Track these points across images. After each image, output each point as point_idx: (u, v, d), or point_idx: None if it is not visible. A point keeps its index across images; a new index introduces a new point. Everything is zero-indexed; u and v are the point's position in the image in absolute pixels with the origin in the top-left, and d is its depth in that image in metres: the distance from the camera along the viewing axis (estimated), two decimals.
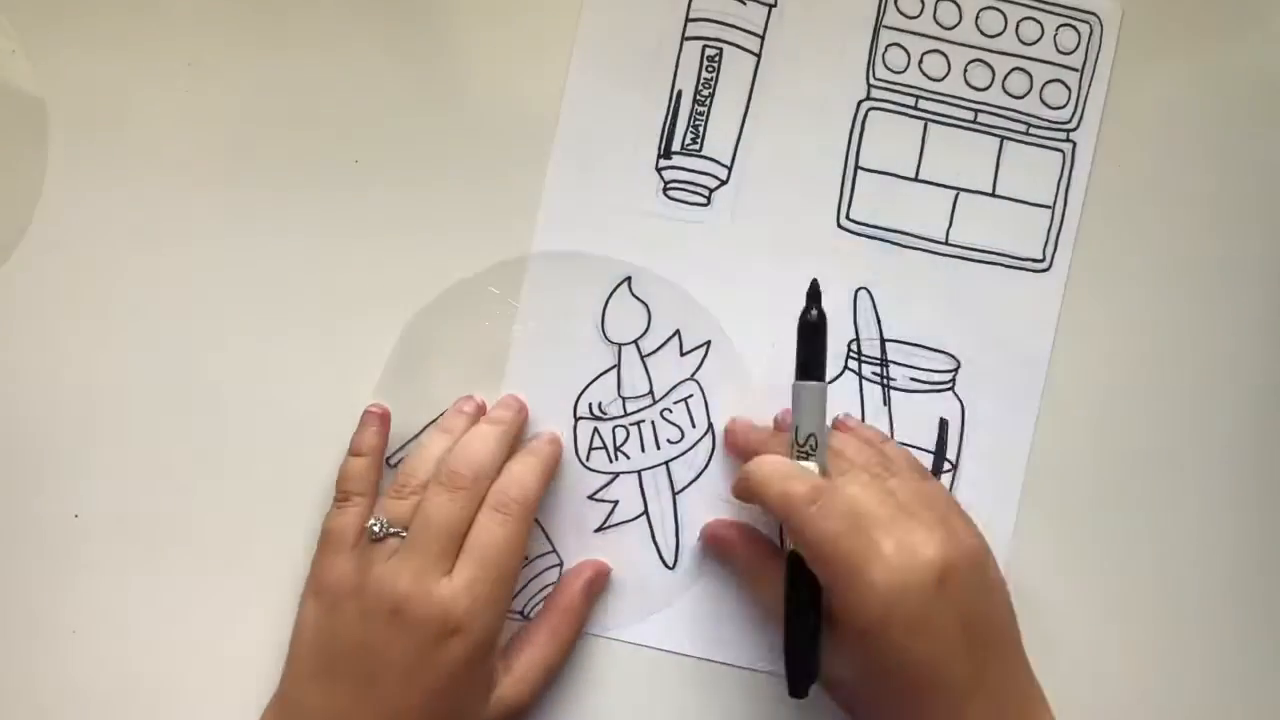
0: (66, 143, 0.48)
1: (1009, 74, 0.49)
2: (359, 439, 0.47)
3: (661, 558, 0.48)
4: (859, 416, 0.48)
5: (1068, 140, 0.49)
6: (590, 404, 0.48)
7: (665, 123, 0.49)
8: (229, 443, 0.48)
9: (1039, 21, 0.49)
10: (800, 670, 0.42)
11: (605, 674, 0.48)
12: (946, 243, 0.49)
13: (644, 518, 0.48)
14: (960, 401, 0.49)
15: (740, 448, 0.48)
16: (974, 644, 0.41)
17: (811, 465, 0.42)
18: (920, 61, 0.49)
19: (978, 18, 0.49)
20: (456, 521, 0.44)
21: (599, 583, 0.48)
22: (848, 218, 0.49)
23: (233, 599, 0.48)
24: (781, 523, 0.43)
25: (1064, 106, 0.49)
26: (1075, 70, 0.49)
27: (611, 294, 0.49)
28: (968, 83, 0.49)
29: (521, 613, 0.48)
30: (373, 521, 0.44)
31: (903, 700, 0.41)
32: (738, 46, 0.49)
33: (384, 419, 0.48)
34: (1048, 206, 0.49)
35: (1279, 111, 0.49)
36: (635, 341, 0.49)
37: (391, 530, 0.44)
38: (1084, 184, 0.49)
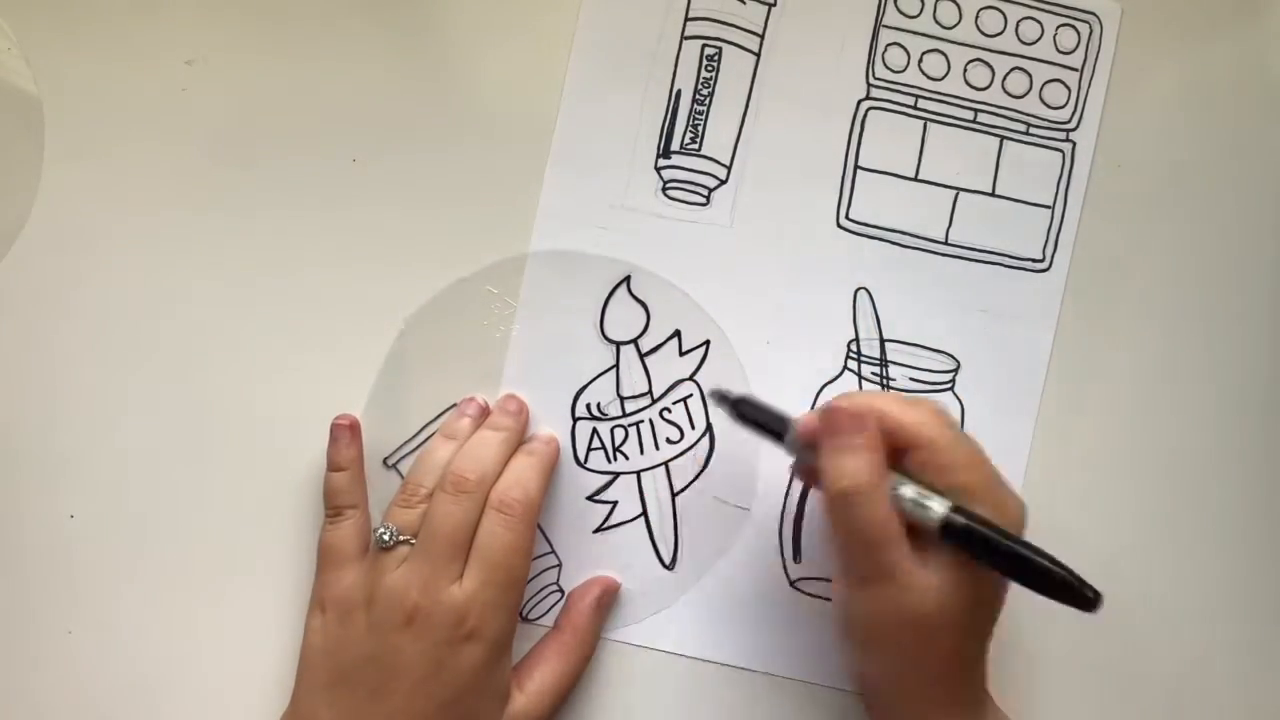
0: (63, 141, 0.48)
1: (1009, 74, 0.49)
2: (335, 453, 0.47)
3: (660, 558, 0.48)
4: None
5: (1067, 140, 0.49)
6: (589, 404, 0.48)
7: (664, 122, 0.49)
8: (226, 443, 0.48)
9: (1039, 21, 0.49)
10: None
11: (605, 675, 0.48)
12: (946, 242, 0.49)
13: (642, 518, 0.48)
14: (960, 401, 0.49)
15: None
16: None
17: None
18: (920, 61, 0.49)
19: (977, 17, 0.49)
20: (462, 526, 0.43)
21: (607, 598, 0.48)
22: (847, 217, 0.49)
23: (228, 600, 0.48)
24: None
25: (1064, 106, 0.49)
26: (1075, 70, 0.49)
27: (610, 293, 0.48)
28: (967, 82, 0.49)
29: (522, 614, 0.48)
30: (381, 530, 0.44)
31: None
32: (737, 46, 0.48)
33: (354, 429, 0.47)
34: (1047, 206, 0.49)
35: (1279, 110, 0.49)
36: (634, 341, 0.48)
37: (401, 539, 0.44)
38: (1084, 184, 0.49)
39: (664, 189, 0.49)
